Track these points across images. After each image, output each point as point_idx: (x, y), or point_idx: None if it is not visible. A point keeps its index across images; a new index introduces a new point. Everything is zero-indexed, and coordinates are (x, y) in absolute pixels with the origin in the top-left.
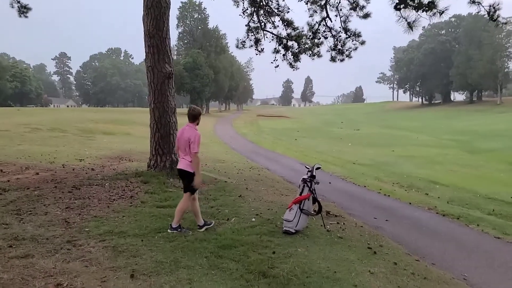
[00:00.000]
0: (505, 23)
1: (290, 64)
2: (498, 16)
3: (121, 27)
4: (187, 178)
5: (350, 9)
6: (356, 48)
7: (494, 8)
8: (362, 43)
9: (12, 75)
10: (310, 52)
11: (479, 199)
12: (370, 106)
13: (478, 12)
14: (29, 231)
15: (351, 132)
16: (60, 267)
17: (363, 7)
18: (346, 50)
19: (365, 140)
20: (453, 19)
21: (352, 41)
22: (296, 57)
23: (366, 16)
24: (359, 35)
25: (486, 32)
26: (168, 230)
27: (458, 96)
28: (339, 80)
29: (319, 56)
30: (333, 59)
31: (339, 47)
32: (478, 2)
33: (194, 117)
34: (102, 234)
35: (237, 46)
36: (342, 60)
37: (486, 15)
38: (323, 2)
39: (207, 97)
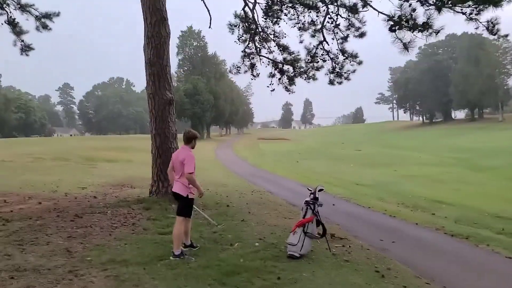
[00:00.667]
0: (506, 36)
1: (286, 87)
2: (498, 30)
3: (123, 56)
4: (180, 201)
5: (346, 29)
6: (354, 71)
7: (492, 23)
8: (360, 63)
9: (17, 107)
10: (306, 75)
11: (487, 217)
12: (370, 127)
13: (476, 28)
14: (31, 262)
15: (352, 153)
16: None
17: (359, 28)
18: (345, 72)
19: (366, 161)
20: (448, 38)
21: (350, 62)
22: (292, 81)
23: (362, 35)
24: (356, 56)
25: (482, 50)
26: (171, 258)
27: (459, 114)
28: (338, 101)
29: (314, 79)
30: (331, 82)
31: (337, 69)
32: (475, 19)
33: (188, 140)
34: (104, 263)
35: (230, 71)
36: (340, 83)
37: (486, 31)
38: (318, 27)
39: (208, 122)
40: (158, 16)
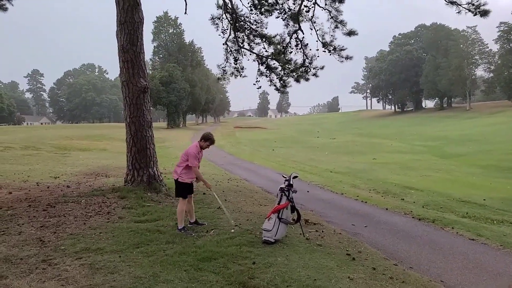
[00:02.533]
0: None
1: (277, 88)
2: (483, 11)
3: (95, 42)
4: (176, 185)
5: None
6: (322, 67)
7: (473, 4)
8: (348, 58)
9: None
10: (295, 74)
11: (453, 202)
12: (345, 115)
13: (458, 12)
14: (2, 252)
15: (327, 141)
16: (35, 287)
17: (342, 21)
18: (313, 68)
19: (341, 149)
20: (419, 28)
21: (337, 55)
22: (284, 82)
23: (351, 33)
24: (342, 49)
25: (451, 41)
26: (176, 230)
27: (429, 103)
28: (315, 91)
29: (305, 79)
30: (297, 79)
31: (306, 63)
32: (455, 2)
33: (205, 139)
34: (78, 251)
35: (218, 78)
36: (307, 80)
37: (469, 13)
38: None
39: (183, 110)
40: (131, 1)
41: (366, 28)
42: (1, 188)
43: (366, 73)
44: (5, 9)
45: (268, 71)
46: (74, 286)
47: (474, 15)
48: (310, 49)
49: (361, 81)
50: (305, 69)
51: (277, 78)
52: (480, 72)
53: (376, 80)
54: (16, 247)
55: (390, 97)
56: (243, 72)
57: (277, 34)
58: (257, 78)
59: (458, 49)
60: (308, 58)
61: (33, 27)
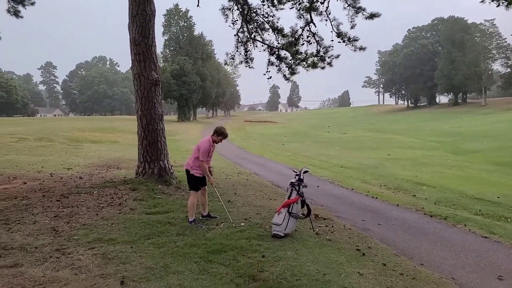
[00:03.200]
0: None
1: (285, 76)
2: (509, 1)
3: (107, 35)
4: (187, 177)
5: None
6: (338, 56)
7: None
8: (361, 48)
9: None
10: (305, 63)
11: (466, 199)
12: (356, 110)
13: (482, 1)
14: (17, 241)
15: (338, 136)
16: (50, 275)
17: (360, 7)
18: (328, 57)
19: (352, 144)
20: (435, 22)
21: (351, 46)
22: (292, 70)
23: (372, 16)
24: (355, 39)
25: (468, 34)
26: (186, 223)
27: (443, 99)
28: (326, 85)
29: (314, 67)
30: (314, 65)
31: (321, 53)
32: None
33: (217, 133)
34: (91, 241)
35: (226, 63)
36: (323, 68)
37: (493, 3)
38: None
39: (194, 103)
40: None
41: (380, 20)
42: (16, 179)
43: (378, 67)
44: (20, 17)
45: (278, 61)
46: (87, 275)
47: (497, 6)
48: (323, 39)
49: (373, 76)
50: (320, 58)
51: (286, 66)
52: (496, 66)
53: (389, 75)
54: (31, 236)
55: (403, 92)
56: (252, 63)
57: (291, 28)
58: (267, 69)
59: (475, 43)
60: (323, 49)
61: (46, 20)
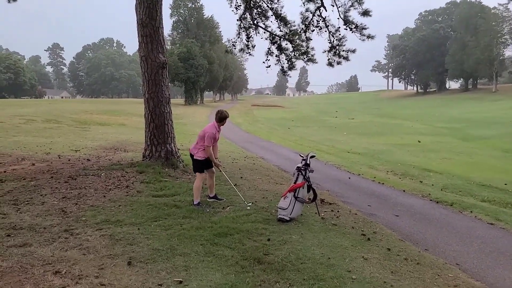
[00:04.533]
0: None
1: (282, 69)
2: None
3: (113, 16)
4: (192, 160)
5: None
6: (354, 50)
7: None
8: (369, 37)
9: (6, 67)
10: (305, 56)
11: (473, 186)
12: (364, 95)
13: None
14: (26, 221)
15: (346, 121)
16: (58, 255)
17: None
18: (343, 51)
19: (359, 129)
20: (448, 5)
21: (358, 34)
22: (291, 63)
23: (366, 13)
24: (363, 28)
25: (482, 18)
26: (191, 205)
27: (453, 85)
28: (333, 69)
29: (314, 62)
30: (330, 63)
31: (336, 46)
32: None
33: (220, 119)
34: (99, 223)
35: (227, 51)
36: (339, 63)
37: None
38: None
39: (201, 87)
40: None
41: (388, 5)
42: (24, 160)
43: (388, 51)
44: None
45: (278, 51)
46: (95, 256)
47: None
48: (334, 26)
49: (382, 60)
50: (334, 52)
51: (286, 58)
52: (509, 52)
53: (399, 59)
54: (40, 216)
55: (413, 77)
56: (253, 49)
57: (301, 14)
58: (267, 57)
59: (489, 27)
60: (336, 40)
61: (52, 2)
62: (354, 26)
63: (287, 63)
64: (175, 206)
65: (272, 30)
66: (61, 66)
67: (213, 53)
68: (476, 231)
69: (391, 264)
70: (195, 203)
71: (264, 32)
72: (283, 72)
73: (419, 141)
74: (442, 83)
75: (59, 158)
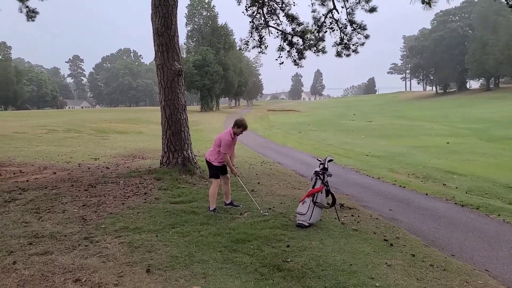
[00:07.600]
0: None
1: (295, 61)
2: None
3: (130, 27)
4: (208, 166)
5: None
6: (363, 44)
7: None
8: (367, 37)
9: (29, 79)
10: (315, 48)
11: (499, 188)
12: (382, 97)
13: None
14: (48, 229)
15: (363, 124)
16: (79, 263)
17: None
18: (353, 45)
19: (377, 132)
20: (465, 4)
21: (357, 34)
22: (301, 54)
23: (372, 10)
24: (364, 28)
25: (501, 16)
26: (207, 211)
27: (474, 84)
28: (350, 72)
29: (323, 52)
30: (338, 54)
31: (345, 41)
32: None
33: (237, 126)
34: (118, 230)
35: (240, 48)
36: (348, 55)
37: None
38: None
39: (217, 93)
40: None
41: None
42: (46, 169)
43: (404, 53)
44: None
45: (289, 46)
46: (114, 263)
47: None
48: (347, 29)
49: (398, 62)
50: (344, 46)
51: (296, 51)
52: None
53: (417, 59)
54: (61, 224)
55: (432, 77)
56: (266, 49)
57: (314, 18)
58: (279, 54)
59: (508, 25)
60: (346, 36)
61: (70, 15)
62: (357, 26)
63: (297, 54)
64: (193, 212)
65: (283, 28)
66: (81, 77)
67: (228, 59)
68: (505, 235)
69: (416, 270)
70: (210, 209)
71: (276, 32)
72: (295, 63)
73: (447, 142)
74: (463, 83)
75: (79, 166)
